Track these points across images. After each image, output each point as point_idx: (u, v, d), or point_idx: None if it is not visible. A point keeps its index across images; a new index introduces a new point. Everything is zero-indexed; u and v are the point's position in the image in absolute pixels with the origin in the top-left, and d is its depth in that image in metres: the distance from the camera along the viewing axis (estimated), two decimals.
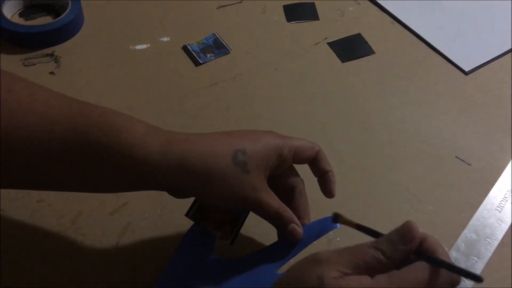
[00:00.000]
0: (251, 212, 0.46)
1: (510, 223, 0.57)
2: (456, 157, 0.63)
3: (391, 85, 0.71)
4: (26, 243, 0.51)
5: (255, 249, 0.48)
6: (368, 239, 0.38)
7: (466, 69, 0.73)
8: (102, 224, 0.53)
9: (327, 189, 0.48)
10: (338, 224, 0.47)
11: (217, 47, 0.72)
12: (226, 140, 0.43)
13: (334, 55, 0.74)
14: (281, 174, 0.47)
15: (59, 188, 0.46)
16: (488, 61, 0.75)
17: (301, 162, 0.48)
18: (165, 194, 0.44)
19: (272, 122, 0.65)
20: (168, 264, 0.46)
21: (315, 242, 0.46)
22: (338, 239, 0.54)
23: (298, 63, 0.72)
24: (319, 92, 0.69)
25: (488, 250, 0.55)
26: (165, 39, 0.73)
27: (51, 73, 0.67)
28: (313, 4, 0.80)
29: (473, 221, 0.57)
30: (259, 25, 0.77)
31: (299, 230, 0.45)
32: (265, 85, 0.69)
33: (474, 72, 0.73)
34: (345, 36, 0.76)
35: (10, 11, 0.72)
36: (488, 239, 0.56)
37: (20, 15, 0.73)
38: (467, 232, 0.56)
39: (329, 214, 0.46)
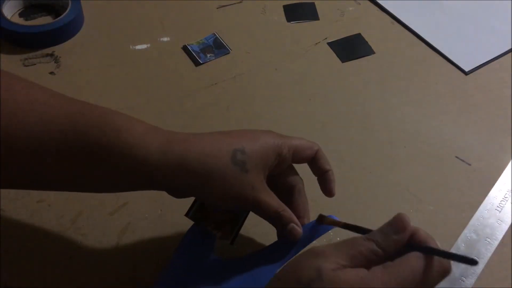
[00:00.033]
0: (251, 212, 0.46)
1: (510, 223, 0.57)
2: (456, 157, 0.63)
3: (391, 85, 0.71)
4: (26, 243, 0.51)
5: (255, 249, 0.48)
6: None
7: (466, 69, 0.73)
8: (102, 224, 0.53)
9: (327, 188, 0.48)
10: None
11: (217, 47, 0.72)
12: (226, 140, 0.43)
13: (334, 55, 0.74)
14: (280, 173, 0.47)
15: (59, 188, 0.46)
16: (488, 61, 0.75)
17: (300, 161, 0.48)
18: (165, 194, 0.44)
19: (272, 122, 0.65)
20: (168, 264, 0.46)
21: (314, 241, 0.46)
22: (338, 239, 0.54)
23: (298, 63, 0.72)
24: (319, 92, 0.69)
25: (488, 250, 0.55)
26: (165, 39, 0.73)
27: (51, 73, 0.67)
28: (313, 4, 0.80)
29: (473, 221, 0.57)
30: (259, 25, 0.77)
31: (299, 229, 0.45)
32: (265, 85, 0.69)
33: (474, 72, 0.73)
34: (345, 36, 0.76)
35: (10, 11, 0.72)
36: (488, 239, 0.56)
37: (20, 15, 0.73)
38: (467, 232, 0.56)
39: (329, 213, 0.47)
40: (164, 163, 0.41)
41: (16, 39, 0.69)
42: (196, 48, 0.72)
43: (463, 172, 0.62)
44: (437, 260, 0.36)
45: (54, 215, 0.53)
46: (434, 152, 0.64)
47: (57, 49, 0.70)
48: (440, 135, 0.65)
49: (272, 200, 0.44)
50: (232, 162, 0.42)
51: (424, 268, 0.36)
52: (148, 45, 0.72)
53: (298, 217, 0.46)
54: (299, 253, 0.38)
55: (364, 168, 0.61)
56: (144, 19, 0.75)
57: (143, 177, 0.41)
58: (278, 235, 0.48)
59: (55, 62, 0.68)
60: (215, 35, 0.74)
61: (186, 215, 0.46)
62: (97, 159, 0.40)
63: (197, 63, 0.70)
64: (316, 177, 0.49)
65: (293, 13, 0.79)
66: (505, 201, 0.59)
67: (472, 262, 0.36)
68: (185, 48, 0.72)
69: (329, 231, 0.47)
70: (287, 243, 0.46)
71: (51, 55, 0.69)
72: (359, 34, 0.76)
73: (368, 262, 0.36)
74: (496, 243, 0.56)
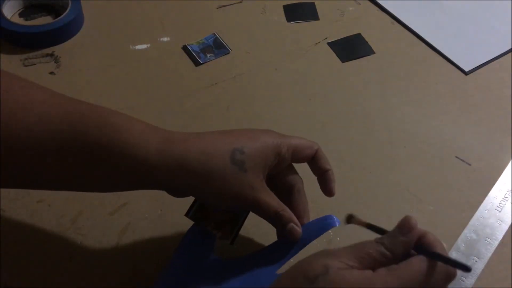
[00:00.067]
0: (251, 212, 0.46)
1: (510, 223, 0.57)
2: (456, 157, 0.63)
3: (391, 85, 0.71)
4: (26, 243, 0.51)
5: (255, 249, 0.48)
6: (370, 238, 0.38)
7: (466, 69, 0.73)
8: (102, 224, 0.53)
9: (326, 188, 0.48)
10: (337, 223, 0.47)
11: (217, 47, 0.72)
12: (225, 139, 0.43)
13: (334, 55, 0.74)
14: (280, 173, 0.47)
15: (59, 188, 0.46)
16: (488, 61, 0.75)
17: (300, 161, 0.48)
18: (165, 194, 0.44)
19: (272, 122, 0.65)
20: (168, 264, 0.46)
21: (314, 242, 0.46)
22: (338, 239, 0.54)
23: (298, 63, 0.72)
24: (319, 92, 0.69)
25: (488, 250, 0.55)
26: (165, 39, 0.73)
27: (51, 73, 0.67)
28: (313, 4, 0.80)
29: (473, 221, 0.57)
30: (259, 25, 0.77)
31: (298, 229, 0.45)
32: (265, 85, 0.69)
33: (474, 72, 0.73)
34: (345, 36, 0.76)
35: (10, 11, 0.72)
36: (488, 239, 0.56)
37: (20, 15, 0.73)
38: (467, 232, 0.56)
39: (329, 213, 0.47)
40: (164, 163, 0.41)
41: (16, 39, 0.69)
42: (196, 48, 0.72)
43: (463, 172, 0.62)
44: (442, 264, 0.36)
45: (54, 215, 0.53)
46: (434, 152, 0.64)
47: (57, 49, 0.70)
48: (440, 135, 0.65)
49: (272, 199, 0.44)
50: (231, 161, 0.42)
51: (427, 272, 0.36)
52: (148, 45, 0.72)
53: (298, 217, 0.46)
54: (312, 254, 0.38)
55: (364, 168, 0.61)
56: (144, 19, 0.75)
57: (143, 177, 0.41)
58: (278, 235, 0.48)
59: (55, 62, 0.68)
60: (215, 35, 0.74)
61: (186, 215, 0.46)
62: (97, 159, 0.40)
63: (197, 63, 0.70)
64: (316, 177, 0.49)
65: (293, 13, 0.79)
66: (505, 201, 0.59)
67: (466, 269, 0.36)
68: (185, 48, 0.72)
69: (329, 231, 0.47)
70: (287, 243, 0.46)
71: (51, 55, 0.69)
72: (359, 34, 0.76)
73: (377, 265, 0.36)
74: (496, 243, 0.56)
